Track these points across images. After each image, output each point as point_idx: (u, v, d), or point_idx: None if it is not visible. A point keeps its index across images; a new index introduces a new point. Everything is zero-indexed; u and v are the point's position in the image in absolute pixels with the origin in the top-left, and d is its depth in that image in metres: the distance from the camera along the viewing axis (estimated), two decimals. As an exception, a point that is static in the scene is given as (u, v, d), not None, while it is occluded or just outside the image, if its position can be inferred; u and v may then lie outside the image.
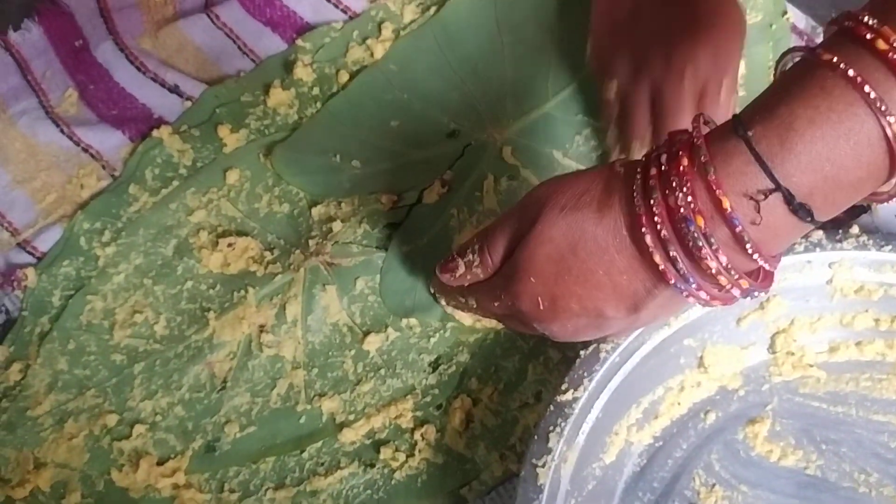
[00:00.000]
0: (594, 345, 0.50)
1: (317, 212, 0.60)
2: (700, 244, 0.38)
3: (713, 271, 0.38)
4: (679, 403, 0.54)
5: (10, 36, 0.67)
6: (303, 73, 0.64)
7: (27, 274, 0.60)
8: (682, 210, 0.38)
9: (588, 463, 0.50)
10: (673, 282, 0.40)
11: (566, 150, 0.59)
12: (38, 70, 0.67)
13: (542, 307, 0.44)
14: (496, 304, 0.47)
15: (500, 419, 0.55)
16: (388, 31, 0.64)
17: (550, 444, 0.48)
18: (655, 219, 0.38)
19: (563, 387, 0.49)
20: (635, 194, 0.39)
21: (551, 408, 0.49)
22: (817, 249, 0.52)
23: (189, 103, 0.65)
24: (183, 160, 0.63)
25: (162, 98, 0.65)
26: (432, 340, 0.57)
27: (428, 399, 0.56)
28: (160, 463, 0.55)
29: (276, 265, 0.59)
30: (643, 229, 0.39)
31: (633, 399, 0.52)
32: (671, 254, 0.39)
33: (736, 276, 0.39)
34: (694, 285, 0.40)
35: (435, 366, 0.56)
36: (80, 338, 0.58)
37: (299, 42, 0.65)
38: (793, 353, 0.54)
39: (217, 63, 0.67)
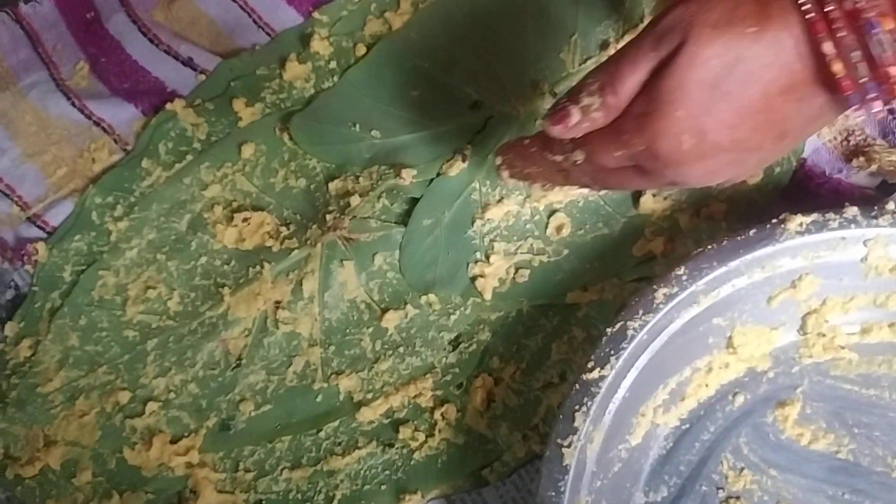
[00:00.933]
0: (621, 322, 0.48)
1: (334, 186, 0.59)
2: (885, 48, 0.36)
3: (893, 79, 0.37)
4: (706, 385, 0.52)
5: (20, 8, 0.66)
6: (319, 46, 0.62)
7: (38, 248, 0.59)
8: (864, 13, 0.36)
9: (614, 444, 0.49)
10: (850, 93, 0.37)
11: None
12: (49, 42, 0.66)
13: (685, 146, 0.39)
14: (617, 154, 0.41)
15: (523, 399, 0.53)
16: (406, 3, 0.62)
17: (576, 424, 0.47)
18: (834, 25, 0.36)
19: (590, 365, 0.48)
20: (801, 1, 0.37)
21: (577, 386, 0.47)
22: (852, 226, 0.50)
23: (203, 77, 0.64)
24: (197, 134, 0.62)
25: (175, 71, 0.64)
26: (452, 318, 0.55)
27: (448, 378, 0.54)
28: (173, 441, 0.54)
29: (293, 240, 0.57)
30: (820, 37, 0.37)
31: (660, 379, 0.51)
32: (853, 61, 0.37)
33: None
34: (872, 95, 0.37)
35: (455, 344, 0.55)
36: (91, 313, 0.57)
37: (316, 15, 0.63)
38: (824, 335, 0.53)
39: (231, 36, 0.66)
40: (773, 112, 0.39)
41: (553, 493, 0.46)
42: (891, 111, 0.57)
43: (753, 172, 0.45)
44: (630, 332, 0.48)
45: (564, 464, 0.46)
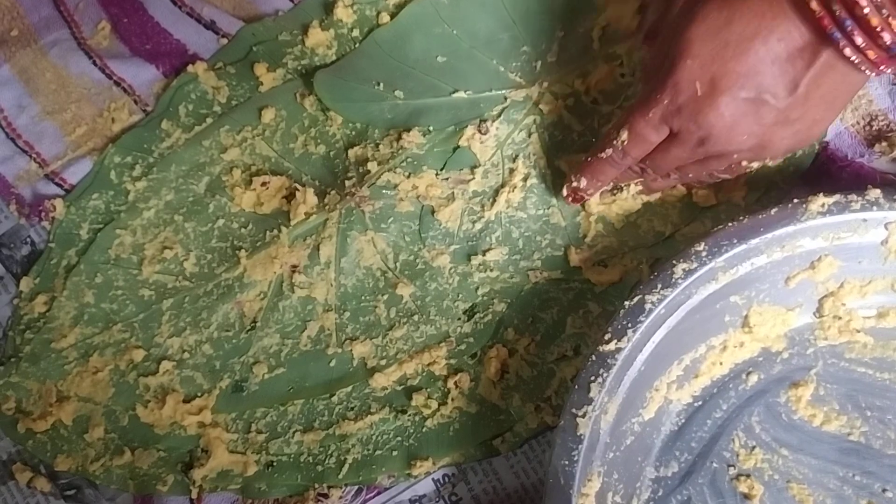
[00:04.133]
0: (639, 295, 0.48)
1: (353, 153, 0.59)
2: None
3: (861, 7, 0.39)
4: (721, 363, 0.52)
5: (43, -34, 0.66)
6: (343, 13, 0.62)
7: (55, 205, 0.59)
8: None
9: (627, 417, 0.49)
10: (830, 31, 0.41)
11: (617, 103, 0.58)
12: (71, 1, 0.66)
13: (700, 92, 0.44)
14: (650, 115, 0.46)
15: (536, 371, 0.53)
16: (431, -28, 0.62)
17: (591, 394, 0.47)
18: None
19: (606, 337, 0.48)
20: None
21: (593, 357, 0.47)
22: (874, 208, 0.50)
23: (225, 40, 0.64)
24: (218, 97, 0.62)
25: (197, 34, 0.64)
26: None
27: (462, 347, 0.54)
28: (187, 400, 0.54)
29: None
30: None
31: (675, 355, 0.51)
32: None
33: (886, 14, 0.40)
34: (849, 28, 0.40)
35: (470, 314, 0.55)
36: (107, 272, 0.57)
37: (340, -18, 0.63)
38: (840, 318, 0.53)
39: (254, 1, 0.66)
40: (776, 59, 0.43)
41: (566, 462, 0.46)
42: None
43: (779, 142, 0.46)
44: (648, 306, 0.48)
45: (578, 433, 0.46)
